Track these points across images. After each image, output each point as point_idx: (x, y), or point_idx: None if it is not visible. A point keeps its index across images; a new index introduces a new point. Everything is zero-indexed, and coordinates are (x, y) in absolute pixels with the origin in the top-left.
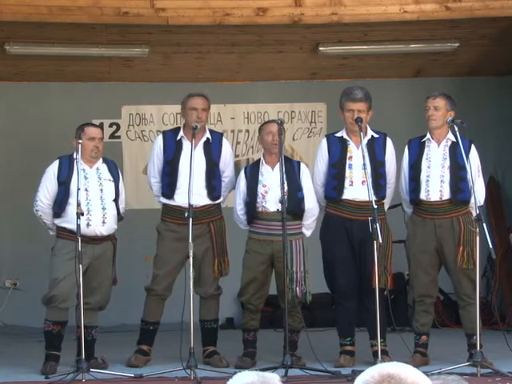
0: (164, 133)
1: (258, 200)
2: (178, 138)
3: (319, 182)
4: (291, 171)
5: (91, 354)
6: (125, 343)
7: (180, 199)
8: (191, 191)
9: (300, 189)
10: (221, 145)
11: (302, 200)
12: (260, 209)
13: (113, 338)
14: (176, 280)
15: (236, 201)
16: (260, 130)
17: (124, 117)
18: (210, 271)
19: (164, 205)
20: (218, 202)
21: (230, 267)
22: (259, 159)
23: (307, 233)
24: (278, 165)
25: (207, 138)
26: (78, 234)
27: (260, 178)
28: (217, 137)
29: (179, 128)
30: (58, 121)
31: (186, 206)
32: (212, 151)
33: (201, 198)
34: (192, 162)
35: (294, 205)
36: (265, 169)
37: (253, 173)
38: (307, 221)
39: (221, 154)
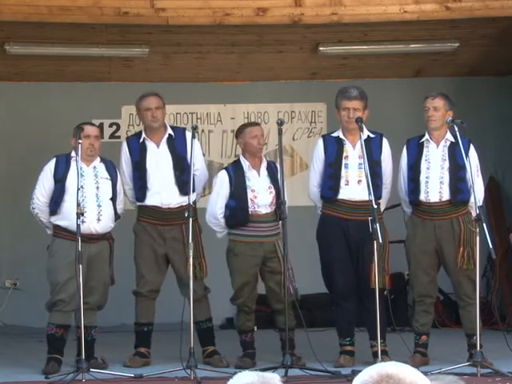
0: (127, 139)
1: (249, 205)
2: (141, 140)
3: (315, 182)
4: (274, 173)
5: (91, 354)
6: (124, 343)
7: (152, 201)
8: (190, 192)
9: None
10: (185, 138)
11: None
12: (250, 212)
13: (112, 338)
14: (175, 280)
15: (216, 204)
16: (240, 132)
17: (124, 117)
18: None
19: (139, 206)
20: (193, 198)
21: (207, 269)
22: (238, 161)
23: None
24: (262, 168)
25: (169, 135)
26: (78, 235)
27: (248, 183)
28: (179, 132)
29: (140, 132)
30: (58, 121)
31: (159, 205)
32: (177, 146)
33: (173, 197)
34: (192, 158)
35: (279, 206)
36: (251, 173)
37: (238, 177)
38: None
39: (186, 148)
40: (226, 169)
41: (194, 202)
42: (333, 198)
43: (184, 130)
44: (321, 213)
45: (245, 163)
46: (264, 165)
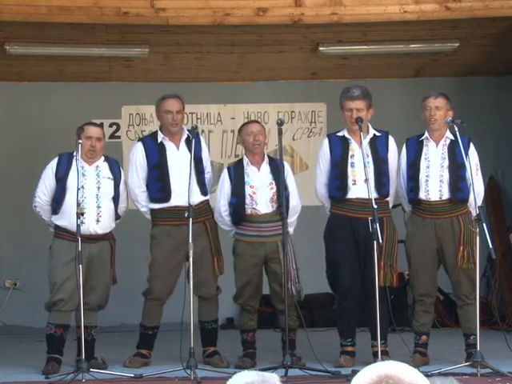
0: (142, 140)
1: (247, 202)
2: (159, 140)
3: (322, 182)
4: (277, 170)
5: (91, 354)
6: (125, 343)
7: (176, 200)
8: (191, 190)
9: (286, 187)
10: (199, 141)
11: (288, 198)
12: (250, 211)
13: (113, 338)
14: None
15: (219, 202)
16: (240, 130)
17: (124, 117)
18: (210, 271)
19: (155, 210)
20: (207, 197)
21: (223, 266)
22: (241, 159)
23: (290, 230)
24: (263, 165)
25: (188, 135)
26: (78, 235)
27: (246, 179)
28: (195, 134)
29: (156, 132)
30: (58, 121)
31: (184, 205)
32: (195, 148)
33: (196, 196)
34: (191, 162)
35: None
36: (250, 169)
37: (238, 174)
38: (291, 218)
39: (202, 150)
40: (228, 167)
41: (208, 203)
42: (342, 198)
43: (198, 132)
44: (329, 213)
45: (245, 160)
46: (266, 162)
